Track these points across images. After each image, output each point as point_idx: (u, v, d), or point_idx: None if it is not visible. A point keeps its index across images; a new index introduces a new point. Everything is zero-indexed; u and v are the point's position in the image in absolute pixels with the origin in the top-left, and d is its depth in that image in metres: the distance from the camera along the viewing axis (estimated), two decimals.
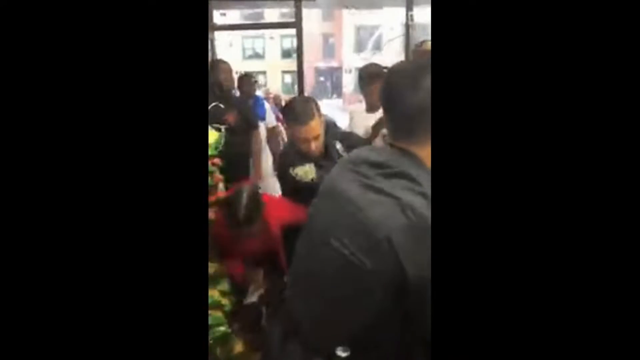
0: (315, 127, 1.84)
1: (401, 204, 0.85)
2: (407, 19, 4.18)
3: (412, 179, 0.89)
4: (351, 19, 21.03)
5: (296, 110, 1.79)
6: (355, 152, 1.08)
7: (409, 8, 4.23)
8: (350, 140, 1.96)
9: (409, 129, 0.95)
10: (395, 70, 1.03)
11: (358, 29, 21.84)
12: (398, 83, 0.97)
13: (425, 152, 0.96)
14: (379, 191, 0.91)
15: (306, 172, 1.90)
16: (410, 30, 4.28)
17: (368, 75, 2.57)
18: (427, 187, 0.87)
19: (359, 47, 21.48)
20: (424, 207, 0.83)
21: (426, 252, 0.76)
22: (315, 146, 1.85)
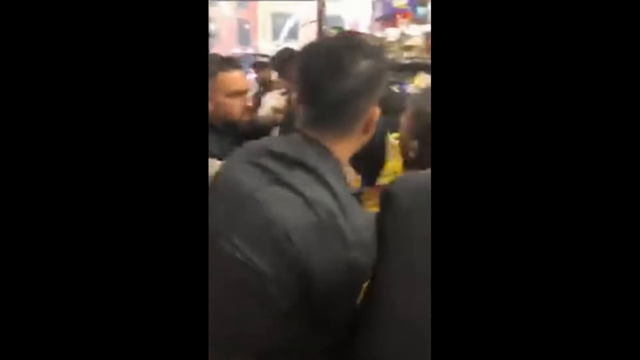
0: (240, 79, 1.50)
1: (306, 199, 0.79)
2: (319, 5, 4.12)
3: (318, 174, 0.82)
4: (266, 6, 20.80)
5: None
6: (255, 142, 0.95)
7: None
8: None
9: (326, 119, 0.87)
10: (315, 48, 0.90)
11: (274, 16, 21.65)
12: (318, 64, 0.85)
13: (339, 147, 0.88)
14: (282, 185, 0.82)
15: None
16: (323, 20, 4.33)
17: (281, 61, 2.54)
18: (335, 184, 0.81)
19: (275, 34, 21.31)
20: (331, 204, 0.78)
21: (334, 253, 0.73)
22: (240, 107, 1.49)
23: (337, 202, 0.80)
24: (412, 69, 3.06)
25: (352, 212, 0.82)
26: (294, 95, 1.42)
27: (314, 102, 0.87)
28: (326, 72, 0.84)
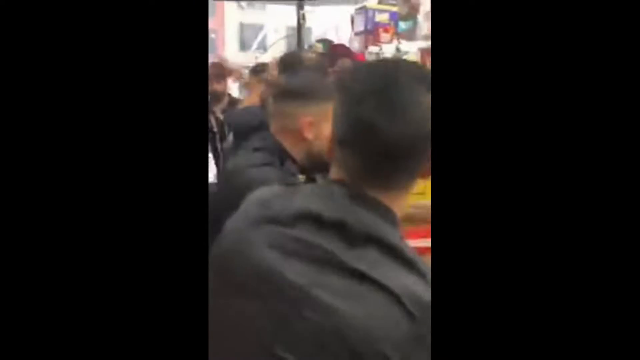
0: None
1: (394, 294, 0.56)
2: (298, 17, 3.94)
3: (393, 249, 0.60)
4: (235, 15, 20.66)
5: None
6: (276, 199, 0.67)
7: (301, 7, 3.97)
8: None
9: (381, 170, 0.64)
10: (368, 76, 0.67)
11: (243, 27, 21.52)
12: (373, 98, 0.63)
13: (396, 206, 0.65)
14: (345, 272, 0.57)
15: None
16: (302, 31, 4.06)
17: (287, 65, 2.49)
18: (419, 261, 0.60)
19: (242, 45, 21.20)
20: (424, 293, 0.57)
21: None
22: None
23: (429, 288, 0.58)
24: None
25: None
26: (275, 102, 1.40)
27: (364, 148, 0.64)
28: (385, 109, 0.63)
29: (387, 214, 0.64)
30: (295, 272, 0.59)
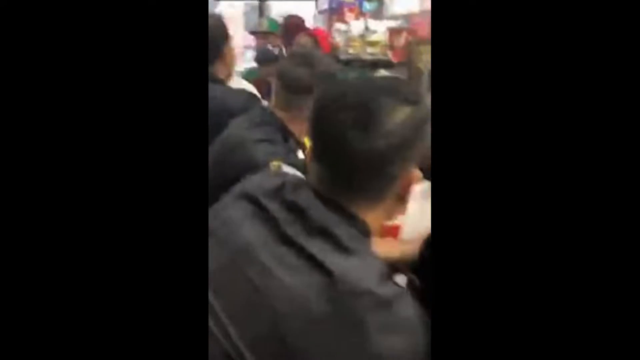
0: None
1: (327, 270, 0.61)
2: None
3: (348, 251, 0.63)
4: None
5: None
6: (260, 181, 0.74)
7: None
8: None
9: (349, 183, 0.68)
10: (338, 91, 0.69)
11: None
12: (341, 113, 0.65)
13: (367, 215, 0.68)
14: (298, 250, 0.63)
15: None
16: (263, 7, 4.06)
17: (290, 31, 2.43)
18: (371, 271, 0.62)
19: None
20: (357, 274, 0.61)
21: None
22: None
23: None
24: (374, 65, 3.00)
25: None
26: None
27: (332, 162, 0.68)
28: (352, 124, 0.64)
29: (352, 220, 0.66)
30: (250, 231, 0.66)
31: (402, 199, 0.72)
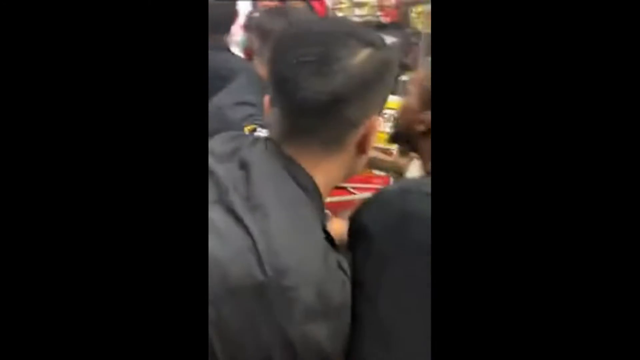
0: None
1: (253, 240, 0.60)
2: None
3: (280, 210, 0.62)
4: None
5: None
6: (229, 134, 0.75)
7: None
8: None
9: (306, 131, 0.66)
10: (294, 32, 0.68)
11: None
12: (296, 53, 0.63)
13: (321, 169, 0.66)
14: (228, 211, 0.63)
15: None
16: None
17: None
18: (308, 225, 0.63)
19: None
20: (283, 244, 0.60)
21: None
22: None
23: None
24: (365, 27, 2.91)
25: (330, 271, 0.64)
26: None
27: (288, 106, 0.66)
28: (307, 65, 0.62)
29: (297, 173, 0.64)
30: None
31: (362, 150, 0.69)
